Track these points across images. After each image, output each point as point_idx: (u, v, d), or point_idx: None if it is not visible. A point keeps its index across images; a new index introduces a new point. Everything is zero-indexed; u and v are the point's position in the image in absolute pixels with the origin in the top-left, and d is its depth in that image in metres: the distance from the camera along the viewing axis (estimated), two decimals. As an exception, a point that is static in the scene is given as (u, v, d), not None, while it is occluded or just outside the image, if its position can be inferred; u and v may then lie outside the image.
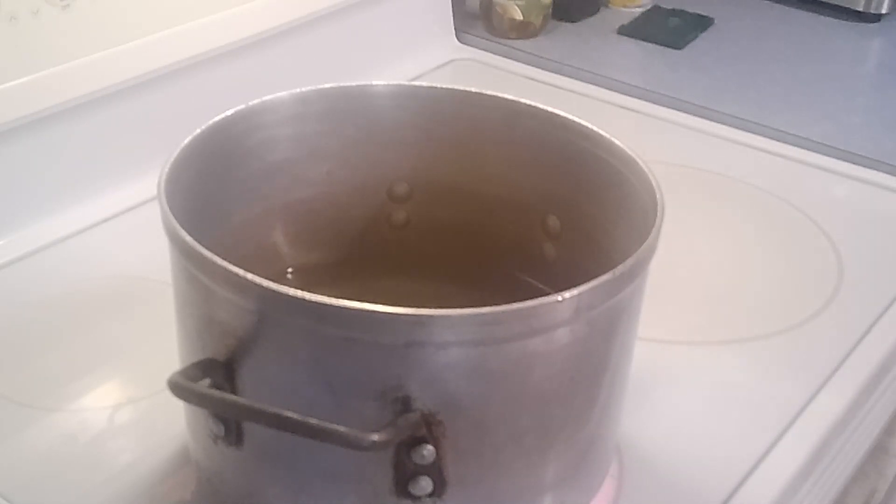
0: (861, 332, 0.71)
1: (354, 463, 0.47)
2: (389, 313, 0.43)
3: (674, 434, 0.62)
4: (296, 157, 0.61)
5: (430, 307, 0.43)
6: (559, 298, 0.44)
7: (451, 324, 0.43)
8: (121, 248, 0.76)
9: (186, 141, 0.54)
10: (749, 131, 0.96)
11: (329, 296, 0.43)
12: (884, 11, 1.20)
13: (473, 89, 0.61)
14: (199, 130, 0.55)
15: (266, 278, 0.44)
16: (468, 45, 1.11)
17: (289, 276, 0.63)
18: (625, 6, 1.21)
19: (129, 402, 0.62)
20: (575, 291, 0.45)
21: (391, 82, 0.62)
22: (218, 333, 0.47)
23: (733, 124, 0.97)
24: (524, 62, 1.08)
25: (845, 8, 1.21)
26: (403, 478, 0.46)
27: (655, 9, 1.21)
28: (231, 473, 0.52)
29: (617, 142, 0.56)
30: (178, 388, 0.45)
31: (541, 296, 0.44)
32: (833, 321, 0.72)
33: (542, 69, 1.07)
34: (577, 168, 0.58)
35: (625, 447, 0.59)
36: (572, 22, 1.17)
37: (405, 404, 0.45)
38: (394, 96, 0.62)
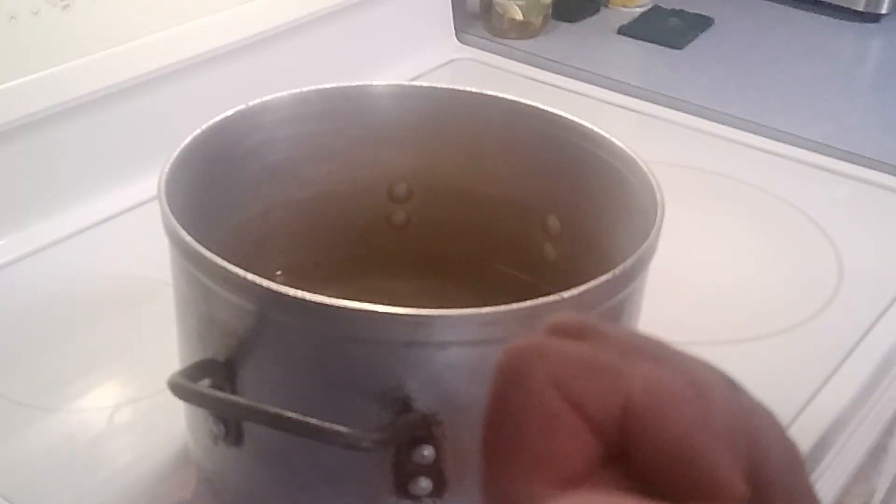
0: (861, 332, 0.71)
1: (354, 463, 0.47)
2: (389, 313, 0.43)
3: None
4: (296, 157, 0.61)
5: (430, 307, 0.43)
6: (559, 298, 0.44)
7: (451, 324, 0.43)
8: (121, 248, 0.76)
9: (186, 141, 0.54)
10: (749, 131, 0.96)
11: (329, 296, 0.43)
12: (884, 11, 1.20)
13: (473, 89, 0.61)
14: (199, 130, 0.55)
15: (266, 278, 0.44)
16: (468, 45, 1.11)
17: (288, 276, 0.63)
18: (625, 6, 1.21)
19: (129, 402, 0.62)
20: (575, 291, 0.45)
21: (391, 82, 0.62)
22: (218, 333, 0.47)
23: (733, 124, 0.97)
24: (524, 62, 1.08)
25: (845, 8, 1.21)
26: (403, 478, 0.46)
27: (655, 9, 1.21)
28: (231, 473, 0.52)
29: (617, 142, 0.56)
30: (178, 388, 0.45)
31: (541, 296, 0.44)
32: (833, 321, 0.72)
33: (542, 69, 1.07)
34: (577, 168, 0.58)
35: (625, 447, 0.59)
36: (572, 22, 1.17)
37: (405, 404, 0.45)
38: (394, 96, 0.62)
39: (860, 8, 1.21)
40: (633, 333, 0.26)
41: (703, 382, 0.25)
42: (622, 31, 1.16)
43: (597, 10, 1.20)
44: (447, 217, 0.64)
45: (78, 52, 0.75)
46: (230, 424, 0.49)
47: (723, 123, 0.98)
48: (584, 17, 1.18)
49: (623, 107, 1.01)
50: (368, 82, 0.62)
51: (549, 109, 0.60)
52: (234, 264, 0.45)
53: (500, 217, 0.63)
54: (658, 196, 0.51)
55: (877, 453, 0.69)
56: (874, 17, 1.21)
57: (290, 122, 0.60)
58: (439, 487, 0.47)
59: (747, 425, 0.25)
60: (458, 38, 1.11)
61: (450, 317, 0.43)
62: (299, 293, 0.43)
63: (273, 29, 0.89)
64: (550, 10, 1.14)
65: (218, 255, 0.45)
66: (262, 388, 0.47)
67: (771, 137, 0.95)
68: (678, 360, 0.25)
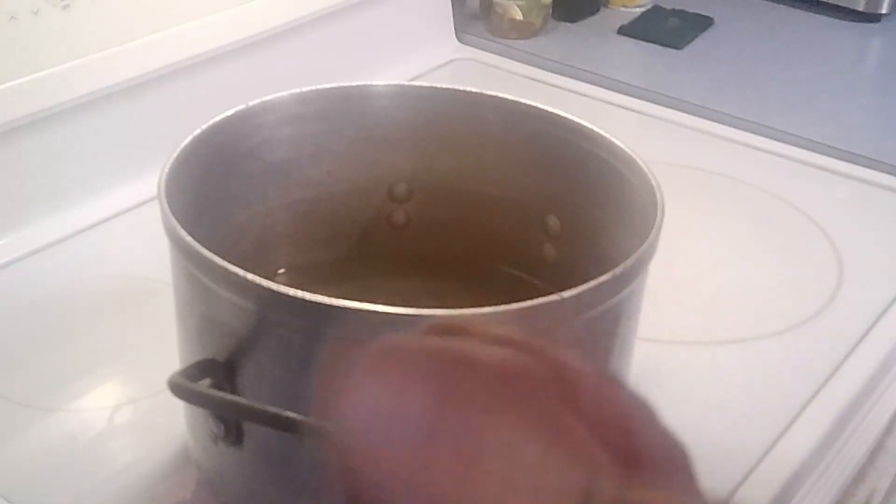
0: (861, 332, 0.71)
1: (354, 463, 0.47)
2: (389, 313, 0.43)
3: (674, 434, 0.62)
4: (296, 157, 0.61)
5: (430, 307, 0.43)
6: (559, 298, 0.44)
7: (451, 324, 0.43)
8: (121, 248, 0.76)
9: (186, 141, 0.54)
10: (749, 131, 0.96)
11: (329, 296, 0.43)
12: (884, 11, 1.20)
13: (473, 89, 0.61)
14: (199, 130, 0.55)
15: (266, 278, 0.44)
16: (468, 45, 1.11)
17: (288, 276, 0.63)
18: (625, 6, 1.21)
19: (129, 402, 0.62)
20: (575, 291, 0.45)
21: (391, 82, 0.62)
22: (218, 333, 0.47)
23: (733, 124, 0.97)
24: (524, 62, 1.08)
25: (845, 8, 1.21)
26: (403, 478, 0.46)
27: (655, 9, 1.21)
28: (231, 473, 0.52)
29: (617, 142, 0.56)
30: (178, 388, 0.45)
31: (541, 296, 0.44)
32: (833, 321, 0.72)
33: (542, 69, 1.07)
34: (577, 168, 0.58)
35: (625, 447, 0.59)
36: (572, 22, 1.17)
37: (405, 404, 0.45)
38: (394, 96, 0.62)
39: (860, 8, 1.21)
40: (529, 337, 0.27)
41: (570, 370, 0.25)
42: (622, 31, 1.16)
43: (597, 10, 1.20)
44: (447, 217, 0.64)
45: (78, 52, 0.75)
46: (230, 424, 0.49)
47: (723, 123, 0.98)
48: (584, 17, 1.18)
49: (623, 107, 1.01)
50: (368, 82, 0.62)
51: (549, 109, 0.59)
52: (234, 264, 0.45)
53: (500, 217, 0.63)
54: (658, 196, 0.51)
55: (877, 453, 0.69)
56: (874, 17, 1.21)
57: (290, 122, 0.60)
58: (439, 487, 0.47)
59: (617, 415, 0.25)
60: (458, 38, 1.11)
61: (449, 317, 0.43)
62: (299, 293, 0.43)
63: (273, 29, 0.89)
64: (550, 10, 1.14)
65: (218, 255, 0.45)
66: (262, 388, 0.47)
67: (771, 137, 0.95)
68: (554, 355, 0.26)
